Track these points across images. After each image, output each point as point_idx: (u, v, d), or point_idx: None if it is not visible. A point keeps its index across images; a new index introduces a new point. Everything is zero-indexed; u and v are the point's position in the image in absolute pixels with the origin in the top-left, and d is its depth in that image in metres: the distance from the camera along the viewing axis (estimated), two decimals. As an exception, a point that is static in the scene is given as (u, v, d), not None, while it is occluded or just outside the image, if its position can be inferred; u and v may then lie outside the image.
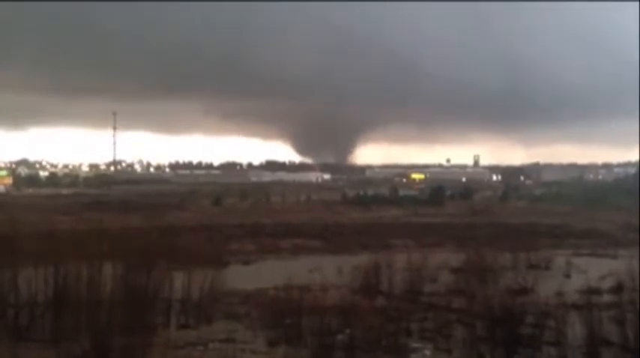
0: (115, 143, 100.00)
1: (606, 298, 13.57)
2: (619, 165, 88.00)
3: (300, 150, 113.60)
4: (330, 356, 9.79)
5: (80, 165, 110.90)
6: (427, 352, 10.36)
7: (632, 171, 72.84)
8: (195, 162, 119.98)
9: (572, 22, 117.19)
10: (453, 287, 14.75)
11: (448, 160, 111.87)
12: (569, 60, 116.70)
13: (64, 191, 60.34)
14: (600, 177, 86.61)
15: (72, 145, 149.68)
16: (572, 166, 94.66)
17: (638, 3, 74.08)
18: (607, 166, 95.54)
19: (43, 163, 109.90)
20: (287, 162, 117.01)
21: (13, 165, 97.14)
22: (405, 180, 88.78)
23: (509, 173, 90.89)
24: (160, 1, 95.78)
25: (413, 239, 22.67)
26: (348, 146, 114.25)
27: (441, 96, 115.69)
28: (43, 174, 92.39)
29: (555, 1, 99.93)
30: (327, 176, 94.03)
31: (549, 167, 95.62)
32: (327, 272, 15.46)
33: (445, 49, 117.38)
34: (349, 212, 37.92)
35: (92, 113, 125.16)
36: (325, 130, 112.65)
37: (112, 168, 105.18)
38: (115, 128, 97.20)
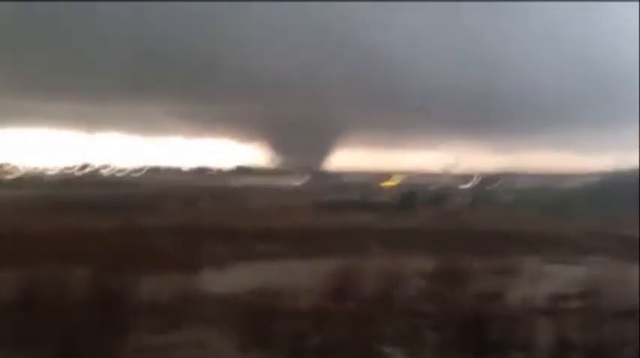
0: (85, 145, 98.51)
1: (574, 304, 13.85)
2: (591, 174, 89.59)
3: (275, 154, 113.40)
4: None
5: (47, 168, 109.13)
6: (398, 357, 10.44)
7: (602, 178, 74.35)
8: (168, 165, 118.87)
9: (551, 26, 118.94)
10: (424, 292, 14.87)
11: (422, 166, 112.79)
12: (548, 66, 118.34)
13: (30, 193, 59.26)
14: (575, 185, 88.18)
15: (42, 148, 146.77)
16: (545, 175, 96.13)
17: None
18: (580, 175, 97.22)
19: (10, 165, 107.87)
20: (262, 166, 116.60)
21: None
22: (379, 185, 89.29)
23: (483, 180, 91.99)
24: (134, 1, 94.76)
25: (385, 244, 22.78)
26: (323, 150, 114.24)
27: (417, 102, 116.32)
28: (9, 177, 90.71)
29: (537, 0, 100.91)
30: (302, 180, 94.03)
31: (522, 175, 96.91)
32: (300, 276, 15.47)
33: (422, 52, 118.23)
34: (323, 216, 37.98)
35: (63, 114, 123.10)
36: (300, 134, 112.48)
37: (83, 171, 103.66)
38: (86, 130, 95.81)
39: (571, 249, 25.12)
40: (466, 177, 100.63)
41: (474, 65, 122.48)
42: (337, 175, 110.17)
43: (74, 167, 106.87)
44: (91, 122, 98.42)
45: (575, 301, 14.27)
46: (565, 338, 10.89)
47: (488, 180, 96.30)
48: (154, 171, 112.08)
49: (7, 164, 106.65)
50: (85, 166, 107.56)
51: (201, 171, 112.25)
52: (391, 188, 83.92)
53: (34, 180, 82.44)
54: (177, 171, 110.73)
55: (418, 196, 55.38)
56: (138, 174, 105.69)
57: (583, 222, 34.24)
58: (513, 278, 17.57)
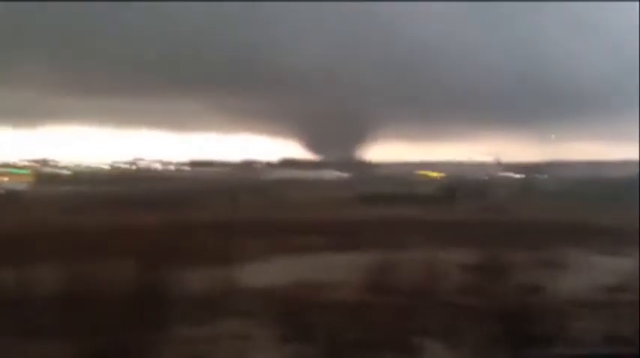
0: (132, 141, 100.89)
1: (624, 296, 13.43)
2: (637, 163, 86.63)
3: (313, 147, 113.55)
4: (342, 354, 9.79)
5: (99, 164, 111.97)
6: (439, 350, 10.32)
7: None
8: (211, 159, 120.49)
9: (589, 18, 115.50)
10: (466, 285, 14.66)
11: (464, 158, 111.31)
12: (589, 55, 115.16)
13: (83, 189, 60.97)
14: (618, 174, 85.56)
15: (91, 144, 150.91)
16: (591, 163, 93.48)
17: (638, 3, 72.83)
18: (625, 163, 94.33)
19: (64, 162, 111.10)
20: (302, 159, 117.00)
21: (34, 164, 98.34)
22: (420, 177, 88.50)
23: (527, 170, 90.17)
24: (170, 0, 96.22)
25: (427, 236, 22.56)
26: (361, 143, 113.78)
27: (456, 93, 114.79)
28: (63, 172, 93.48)
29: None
30: (341, 173, 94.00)
31: (567, 164, 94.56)
32: (339, 269, 15.46)
33: (459, 45, 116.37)
34: (363, 209, 37.90)
35: (107, 112, 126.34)
36: (337, 127, 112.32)
37: (131, 167, 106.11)
38: (131, 126, 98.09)
39: (619, 239, 24.36)
40: (509, 168, 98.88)
41: (514, 57, 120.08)
42: (377, 167, 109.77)
43: (123, 163, 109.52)
44: (133, 118, 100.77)
45: (623, 293, 13.84)
46: (613, 332, 10.57)
47: (532, 170, 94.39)
48: (198, 165, 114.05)
49: (61, 160, 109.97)
50: (132, 162, 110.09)
51: (242, 166, 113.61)
52: (433, 179, 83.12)
53: (85, 176, 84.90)
54: (219, 166, 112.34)
55: (461, 188, 54.69)
56: (182, 169, 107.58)
57: (631, 212, 33.16)
58: (558, 271, 17.15)
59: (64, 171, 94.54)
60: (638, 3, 71.71)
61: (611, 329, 10.55)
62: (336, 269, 15.41)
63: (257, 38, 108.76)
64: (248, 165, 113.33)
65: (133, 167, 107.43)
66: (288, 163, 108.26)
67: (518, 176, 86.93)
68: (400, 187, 59.05)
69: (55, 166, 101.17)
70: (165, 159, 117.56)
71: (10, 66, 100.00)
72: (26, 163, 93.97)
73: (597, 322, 10.96)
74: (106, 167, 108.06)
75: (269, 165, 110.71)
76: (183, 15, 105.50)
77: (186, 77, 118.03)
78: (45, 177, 78.43)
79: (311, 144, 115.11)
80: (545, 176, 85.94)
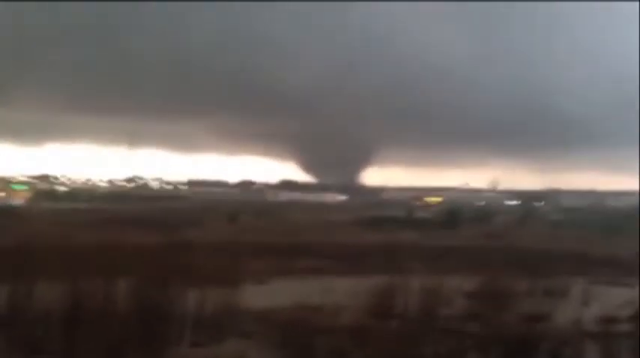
0: (131, 160, 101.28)
1: (624, 327, 13.35)
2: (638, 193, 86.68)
3: (313, 170, 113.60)
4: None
5: (97, 182, 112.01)
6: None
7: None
8: (211, 179, 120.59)
9: (592, 45, 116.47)
10: (467, 311, 14.58)
11: (466, 184, 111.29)
12: (590, 85, 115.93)
13: (82, 206, 60.97)
14: (620, 204, 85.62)
15: (89, 162, 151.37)
16: (592, 193, 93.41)
17: (638, 3, 73.56)
18: (627, 194, 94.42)
19: (62, 179, 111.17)
20: (303, 181, 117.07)
21: (33, 180, 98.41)
22: (420, 202, 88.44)
23: (527, 198, 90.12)
24: (165, 15, 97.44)
25: (428, 262, 22.51)
26: (361, 166, 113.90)
27: (456, 119, 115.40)
28: (61, 189, 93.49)
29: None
30: (342, 196, 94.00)
31: (568, 193, 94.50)
32: (340, 293, 15.38)
33: (462, 72, 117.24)
34: (364, 233, 37.84)
35: (108, 131, 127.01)
36: (337, 151, 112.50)
37: (129, 185, 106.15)
38: (131, 145, 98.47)
39: (621, 270, 24.29)
40: (509, 195, 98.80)
41: (515, 84, 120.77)
42: (379, 191, 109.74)
43: (122, 181, 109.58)
44: (135, 138, 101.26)
45: (625, 324, 13.75)
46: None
47: (532, 198, 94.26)
48: (198, 185, 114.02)
49: (59, 177, 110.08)
50: (131, 180, 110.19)
51: (243, 186, 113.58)
52: (435, 205, 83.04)
53: (84, 193, 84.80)
54: (220, 186, 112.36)
55: (462, 213, 54.63)
56: (182, 189, 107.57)
57: (630, 242, 33.10)
58: (560, 300, 17.06)
59: (62, 188, 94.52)
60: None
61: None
62: (337, 293, 15.33)
63: (258, 61, 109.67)
64: (248, 187, 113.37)
65: (132, 185, 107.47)
66: (288, 185, 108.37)
67: (518, 203, 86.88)
68: (401, 212, 59.01)
69: (54, 183, 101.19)
70: (164, 178, 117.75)
71: (12, 84, 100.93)
72: (25, 179, 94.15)
73: (596, 352, 10.88)
74: (105, 185, 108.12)
75: (269, 187, 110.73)
76: (184, 37, 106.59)
77: (186, 98, 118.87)
78: (43, 193, 78.46)
79: (310, 167, 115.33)
80: (545, 204, 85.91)
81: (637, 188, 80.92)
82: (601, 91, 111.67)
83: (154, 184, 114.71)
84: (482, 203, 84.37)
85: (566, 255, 27.79)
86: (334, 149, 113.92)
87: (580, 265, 24.96)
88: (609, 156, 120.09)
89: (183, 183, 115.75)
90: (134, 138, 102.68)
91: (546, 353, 10.74)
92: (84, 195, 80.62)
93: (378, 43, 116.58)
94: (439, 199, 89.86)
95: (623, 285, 20.68)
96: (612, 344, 10.92)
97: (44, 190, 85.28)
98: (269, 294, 16.84)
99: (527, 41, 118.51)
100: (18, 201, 66.74)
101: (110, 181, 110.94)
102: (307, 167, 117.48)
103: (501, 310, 14.59)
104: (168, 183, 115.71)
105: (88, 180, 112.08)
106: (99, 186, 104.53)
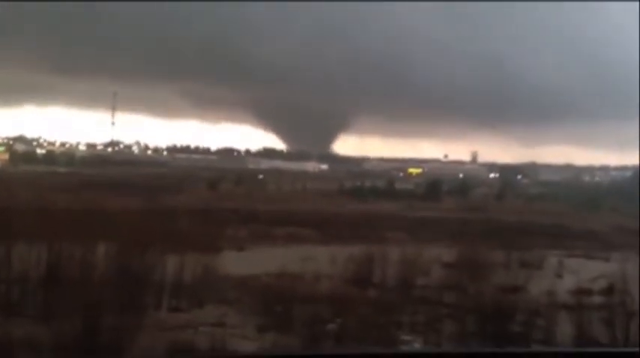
0: (113, 124, 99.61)
1: (596, 299, 13.64)
2: (616, 168, 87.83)
3: (292, 139, 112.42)
4: (320, 345, 9.83)
5: (77, 145, 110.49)
6: (417, 345, 10.41)
7: (629, 174, 72.85)
8: (192, 146, 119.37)
9: (571, 23, 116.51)
10: (445, 282, 14.78)
11: (446, 156, 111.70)
12: (569, 60, 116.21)
13: (61, 169, 60.03)
14: (597, 179, 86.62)
15: (69, 124, 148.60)
16: (569, 167, 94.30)
17: (638, 3, 73.73)
18: (604, 169, 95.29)
19: (40, 141, 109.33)
20: (284, 150, 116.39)
21: (10, 142, 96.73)
22: (402, 173, 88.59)
23: (506, 171, 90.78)
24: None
25: (407, 232, 22.67)
26: (341, 136, 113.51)
27: (437, 92, 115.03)
28: (39, 151, 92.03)
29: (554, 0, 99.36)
30: (324, 166, 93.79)
31: (546, 167, 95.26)
32: (320, 261, 15.45)
33: (438, 43, 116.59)
34: (344, 203, 37.88)
35: (90, 93, 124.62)
36: (314, 121, 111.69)
37: (110, 149, 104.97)
38: (113, 109, 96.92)
39: (596, 243, 24.71)
40: (489, 168, 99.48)
41: (496, 59, 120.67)
42: (360, 161, 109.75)
43: (101, 145, 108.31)
44: (118, 101, 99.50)
45: (599, 297, 14.05)
46: (586, 333, 10.74)
47: (511, 171, 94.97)
48: (178, 151, 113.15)
49: (38, 139, 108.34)
50: (111, 144, 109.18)
51: (224, 154, 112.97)
52: (415, 176, 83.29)
53: (63, 156, 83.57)
54: (200, 153, 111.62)
55: (442, 186, 54.86)
56: (162, 155, 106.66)
57: (609, 217, 33.64)
58: (535, 271, 17.37)
59: (40, 150, 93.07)
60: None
61: (582, 330, 10.72)
62: (317, 261, 15.40)
63: (234, 30, 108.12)
64: (228, 154, 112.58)
65: (111, 149, 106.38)
66: (272, 153, 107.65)
67: (497, 176, 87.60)
68: (382, 182, 59.13)
69: (30, 144, 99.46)
70: (144, 143, 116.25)
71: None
72: (1, 141, 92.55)
73: (570, 323, 11.11)
74: (83, 148, 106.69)
75: (250, 155, 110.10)
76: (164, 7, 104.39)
77: (163, 63, 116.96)
78: (19, 155, 77.20)
79: (290, 137, 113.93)
80: (523, 177, 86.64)
81: (618, 163, 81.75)
82: (579, 65, 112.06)
83: (134, 149, 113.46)
84: (461, 175, 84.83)
85: (543, 229, 28.17)
86: (314, 119, 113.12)
87: (557, 238, 25.34)
88: (588, 131, 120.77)
89: (164, 149, 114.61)
90: (114, 102, 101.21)
91: (520, 324, 10.95)
92: (62, 158, 79.53)
93: (360, 16, 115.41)
94: (419, 170, 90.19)
95: (597, 258, 21.08)
96: (585, 316, 11.15)
97: (22, 152, 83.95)
98: (249, 261, 16.88)
99: (504, 20, 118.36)
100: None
101: (89, 144, 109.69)
102: (287, 136, 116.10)
103: (478, 280, 14.83)
104: (148, 148, 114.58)
105: (67, 142, 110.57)
106: (78, 150, 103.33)
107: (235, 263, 15.63)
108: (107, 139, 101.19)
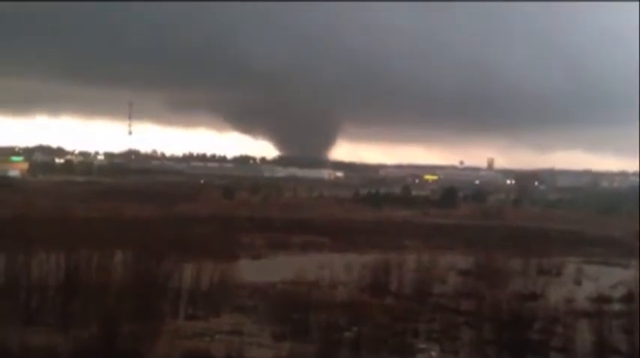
0: (130, 133, 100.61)
1: (616, 306, 13.48)
2: (635, 174, 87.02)
3: (306, 148, 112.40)
4: (336, 353, 9.79)
5: (95, 154, 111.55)
6: (434, 353, 10.34)
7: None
8: (208, 154, 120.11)
9: (586, 29, 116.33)
10: (461, 289, 14.70)
11: (461, 162, 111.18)
12: (587, 65, 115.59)
13: (79, 178, 60.83)
14: (615, 185, 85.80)
15: (87, 134, 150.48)
16: (587, 173, 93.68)
17: (638, 3, 73.46)
18: (622, 174, 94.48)
19: (59, 150, 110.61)
20: (299, 157, 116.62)
21: (29, 152, 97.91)
22: (417, 180, 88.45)
23: (523, 177, 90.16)
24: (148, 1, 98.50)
25: (423, 239, 22.66)
26: (355, 143, 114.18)
27: (453, 99, 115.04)
28: (58, 161, 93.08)
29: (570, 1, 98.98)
30: (339, 173, 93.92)
31: (564, 173, 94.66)
32: (336, 269, 15.46)
33: (449, 53, 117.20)
34: (360, 210, 37.93)
35: (107, 102, 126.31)
36: (328, 128, 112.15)
37: (127, 158, 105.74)
38: (130, 118, 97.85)
39: (615, 250, 24.44)
40: (505, 174, 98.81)
41: (516, 65, 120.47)
42: (376, 168, 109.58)
43: (119, 154, 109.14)
44: (135, 110, 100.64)
45: (618, 304, 13.88)
46: (606, 341, 10.59)
47: (529, 177, 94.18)
48: (194, 160, 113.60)
49: (56, 148, 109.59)
50: (129, 153, 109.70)
51: (240, 162, 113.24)
52: (431, 183, 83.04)
53: (81, 165, 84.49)
54: (214, 161, 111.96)
55: (459, 192, 54.60)
56: (180, 163, 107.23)
57: (629, 222, 33.25)
58: (554, 279, 17.22)
59: (59, 160, 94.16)
60: (638, 3, 72.23)
61: (602, 338, 10.57)
62: (333, 268, 15.41)
63: (233, 37, 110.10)
64: (248, 161, 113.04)
65: (134, 158, 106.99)
66: (288, 161, 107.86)
67: (514, 183, 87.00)
68: (397, 189, 59.03)
69: (50, 154, 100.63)
70: (165, 151, 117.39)
71: (10, 55, 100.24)
72: (18, 150, 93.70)
73: (588, 331, 10.97)
74: (100, 157, 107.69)
75: (269, 162, 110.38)
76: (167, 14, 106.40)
77: (180, 73, 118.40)
78: (38, 164, 78.12)
79: (302, 146, 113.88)
80: (541, 183, 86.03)
81: (635, 169, 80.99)
82: (599, 74, 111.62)
83: (150, 158, 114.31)
84: (477, 182, 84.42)
85: (561, 235, 27.92)
86: (323, 127, 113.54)
87: (574, 245, 25.10)
88: (606, 137, 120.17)
89: (182, 158, 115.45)
90: (131, 111, 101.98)
91: (539, 331, 10.83)
92: (80, 168, 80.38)
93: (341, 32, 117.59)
94: (435, 177, 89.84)
95: (616, 265, 20.84)
96: (604, 323, 11.01)
97: (40, 162, 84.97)
98: (265, 269, 16.93)
99: (514, 28, 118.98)
100: (15, 172, 66.55)
101: (107, 154, 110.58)
102: (292, 145, 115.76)
103: (495, 288, 14.72)
104: (164, 156, 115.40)
105: (85, 152, 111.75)
106: (96, 159, 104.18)
107: (252, 270, 15.70)
108: (124, 148, 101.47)
